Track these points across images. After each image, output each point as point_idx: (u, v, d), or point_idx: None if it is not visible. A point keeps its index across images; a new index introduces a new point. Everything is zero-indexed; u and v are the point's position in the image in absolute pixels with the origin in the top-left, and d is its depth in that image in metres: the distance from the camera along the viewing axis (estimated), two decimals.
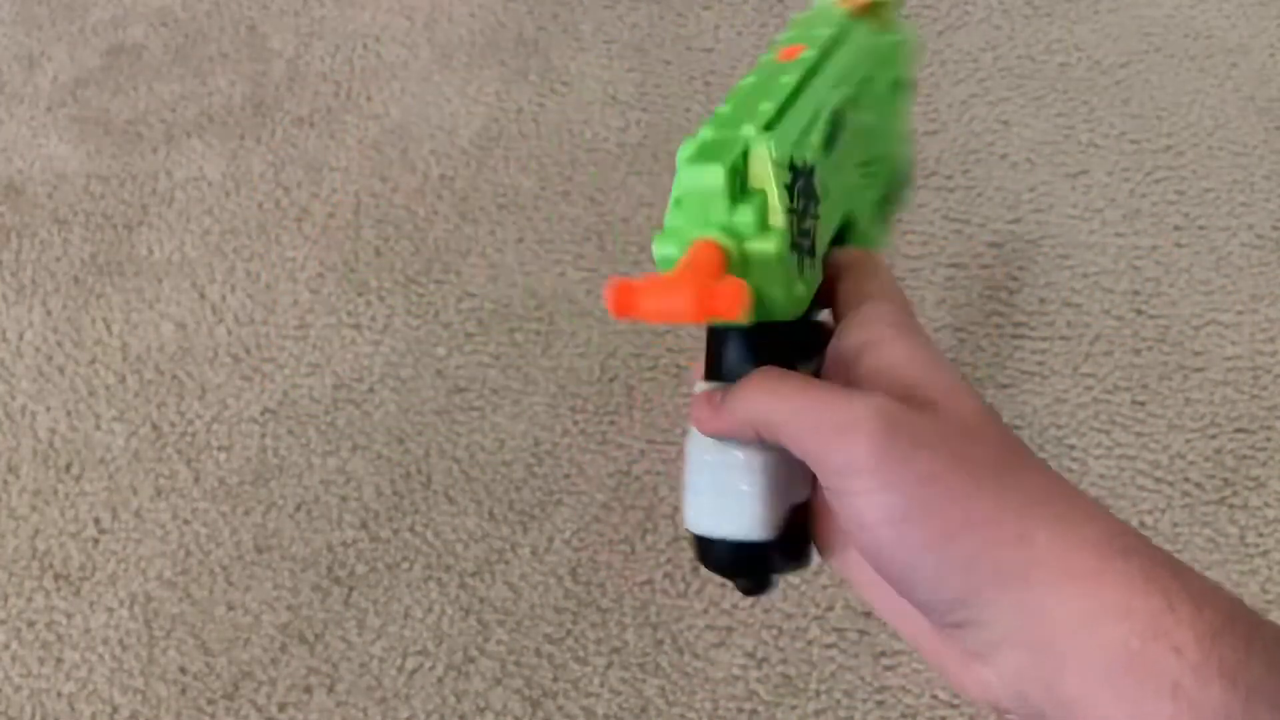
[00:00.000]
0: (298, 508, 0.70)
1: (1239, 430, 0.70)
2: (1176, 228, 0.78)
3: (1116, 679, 0.26)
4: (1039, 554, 0.27)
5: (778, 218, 0.31)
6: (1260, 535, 0.67)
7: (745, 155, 0.31)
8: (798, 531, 0.35)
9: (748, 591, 0.36)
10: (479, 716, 0.63)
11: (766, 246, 0.30)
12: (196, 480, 0.71)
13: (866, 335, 0.32)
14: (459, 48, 0.92)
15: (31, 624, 0.67)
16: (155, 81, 0.92)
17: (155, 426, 0.73)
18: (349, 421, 0.73)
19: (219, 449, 0.72)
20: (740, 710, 0.62)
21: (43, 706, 0.64)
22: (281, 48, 0.93)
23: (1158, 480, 0.69)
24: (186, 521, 0.70)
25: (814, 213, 0.33)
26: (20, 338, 0.78)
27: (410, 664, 0.65)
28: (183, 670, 0.65)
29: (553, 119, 0.87)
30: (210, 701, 0.64)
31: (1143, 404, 0.71)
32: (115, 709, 0.64)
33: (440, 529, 0.69)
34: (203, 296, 0.79)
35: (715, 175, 0.30)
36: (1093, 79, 0.87)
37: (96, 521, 0.70)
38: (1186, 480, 0.69)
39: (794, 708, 0.62)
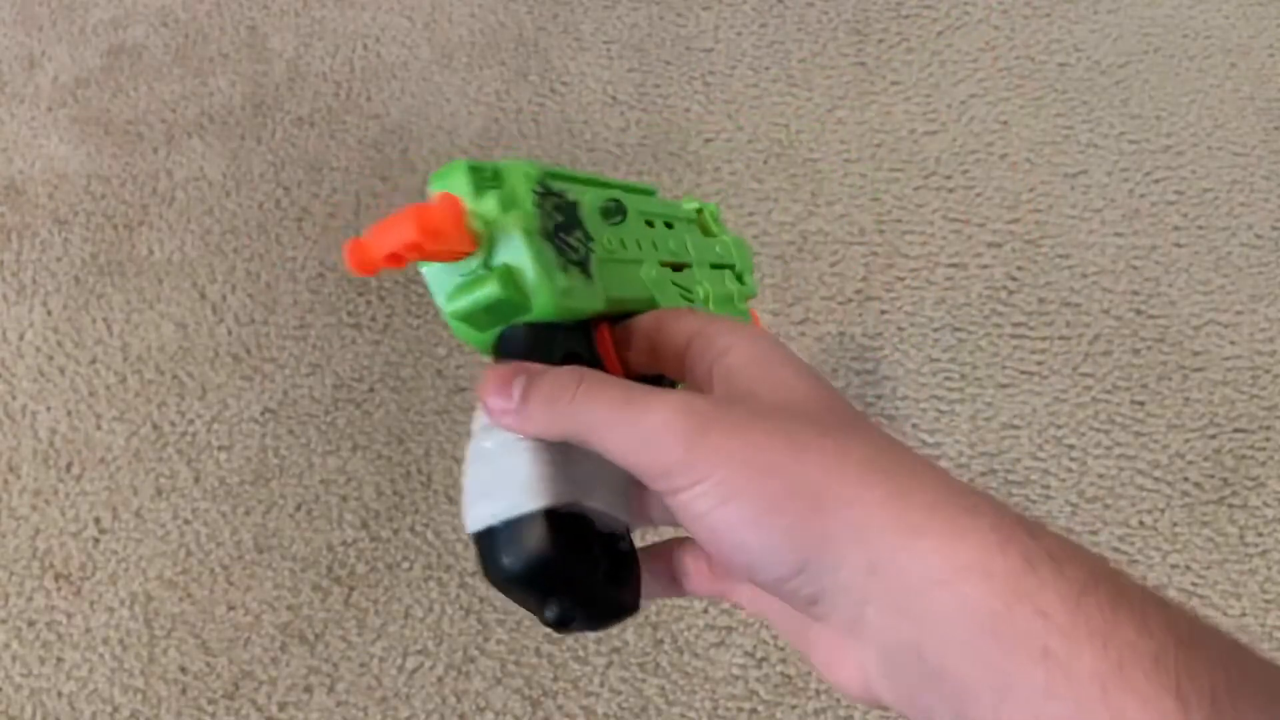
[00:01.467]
0: (298, 507, 0.70)
1: (1238, 430, 0.70)
2: (1175, 228, 0.78)
3: (982, 644, 0.25)
4: (875, 516, 0.27)
5: (523, 202, 0.33)
6: (1259, 535, 0.67)
7: (498, 173, 0.34)
8: (615, 563, 0.33)
9: (549, 622, 0.31)
10: (479, 716, 0.63)
11: (508, 220, 0.33)
12: (197, 480, 0.71)
13: (709, 348, 0.32)
14: (459, 48, 0.92)
15: (32, 623, 0.67)
16: (156, 82, 0.92)
17: (156, 426, 0.73)
18: (349, 421, 0.73)
19: (219, 449, 0.73)
20: (740, 710, 0.62)
21: (43, 706, 0.64)
22: (282, 48, 0.93)
23: (1157, 480, 0.69)
24: (187, 521, 0.70)
25: (579, 237, 0.35)
26: (21, 338, 0.78)
27: (410, 663, 0.65)
28: (183, 670, 0.65)
29: (553, 119, 0.87)
30: (211, 701, 0.64)
31: (1142, 404, 0.71)
32: (116, 708, 0.64)
33: (440, 529, 0.69)
34: (203, 296, 0.79)
35: (459, 169, 0.33)
36: (1092, 79, 0.87)
37: (97, 521, 0.70)
38: (1186, 480, 0.69)
39: (794, 707, 0.62)
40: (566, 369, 0.31)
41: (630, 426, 0.29)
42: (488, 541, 0.31)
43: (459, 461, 0.71)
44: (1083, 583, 0.25)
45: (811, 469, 0.27)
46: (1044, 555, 0.25)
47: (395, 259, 0.31)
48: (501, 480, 0.31)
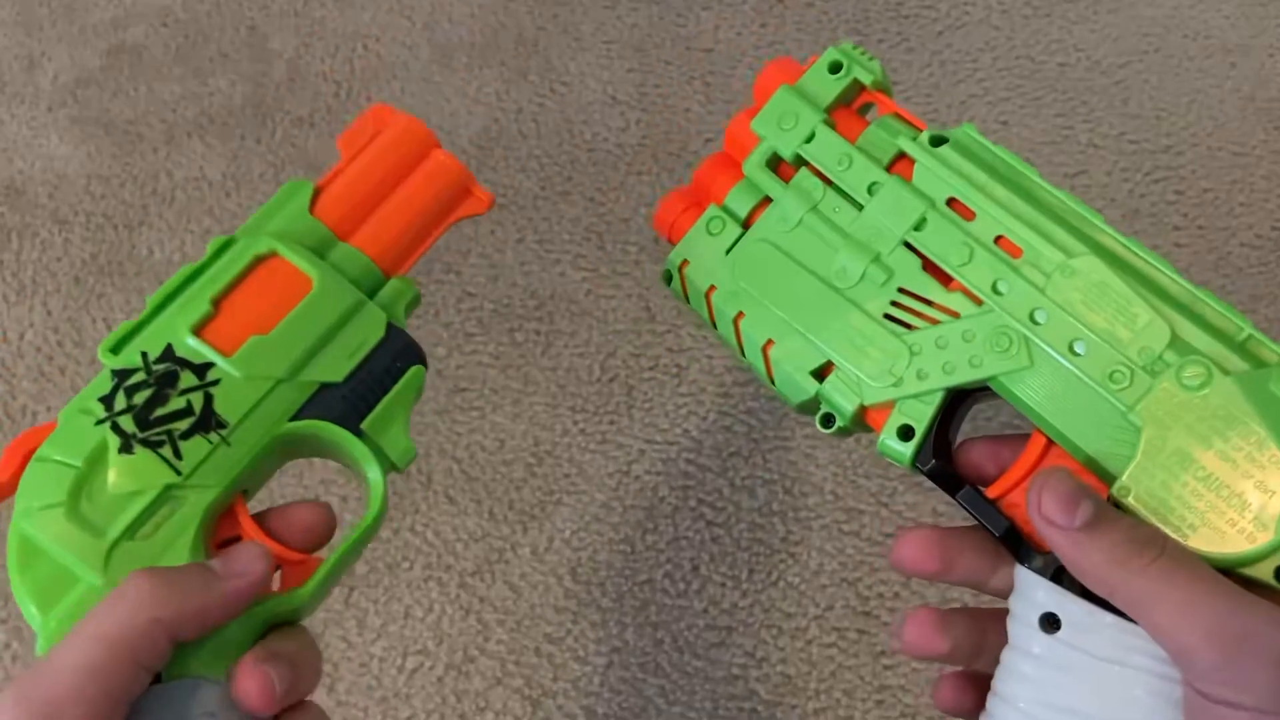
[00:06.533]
0: None
1: None
2: (1176, 228, 0.78)
3: None
4: None
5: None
6: None
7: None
8: None
9: None
10: (479, 716, 0.63)
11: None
12: None
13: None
14: (459, 48, 0.92)
15: None
16: (155, 82, 0.92)
17: None
18: None
19: None
20: (740, 710, 0.62)
21: None
22: (282, 48, 0.93)
23: None
24: None
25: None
26: (21, 338, 0.78)
27: (410, 663, 0.65)
28: None
29: (553, 119, 0.87)
30: None
31: None
32: None
33: (440, 529, 0.69)
34: None
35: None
36: (1092, 79, 0.87)
37: None
38: None
39: (794, 707, 0.62)
40: (1148, 526, 0.29)
41: (1232, 616, 0.27)
42: None
43: (459, 461, 0.71)
44: None
45: None
46: None
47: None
48: None
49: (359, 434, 0.36)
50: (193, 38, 0.95)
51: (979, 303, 0.34)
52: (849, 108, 0.40)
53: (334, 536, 0.38)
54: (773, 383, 0.39)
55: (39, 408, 0.75)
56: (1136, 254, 0.35)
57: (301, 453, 0.38)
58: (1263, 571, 0.29)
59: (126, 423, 0.33)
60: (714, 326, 0.40)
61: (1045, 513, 0.30)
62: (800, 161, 0.39)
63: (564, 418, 0.73)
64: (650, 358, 0.75)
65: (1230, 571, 0.30)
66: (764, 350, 0.38)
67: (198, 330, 0.35)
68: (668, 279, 0.42)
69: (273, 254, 0.36)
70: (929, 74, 0.88)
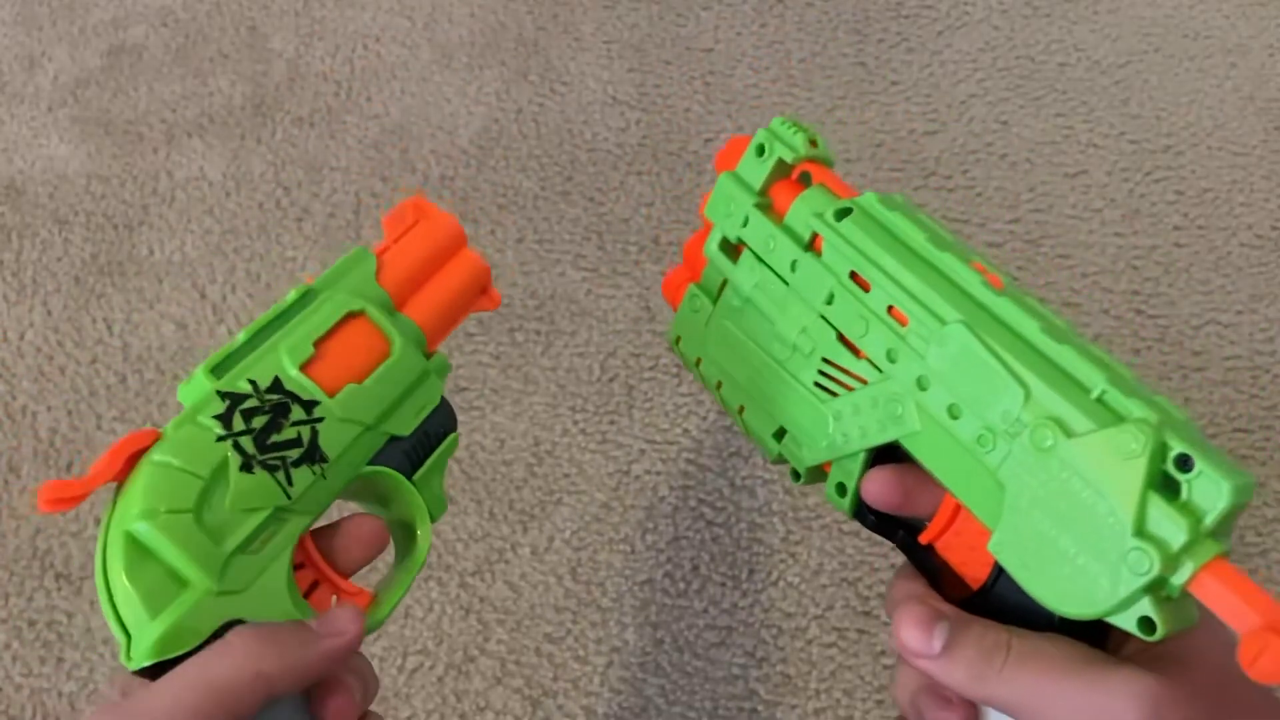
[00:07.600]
0: None
1: (1238, 430, 0.70)
2: (1176, 228, 0.78)
3: None
4: None
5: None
6: (1259, 535, 0.67)
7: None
8: None
9: None
10: (479, 716, 0.63)
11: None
12: None
13: None
14: (459, 48, 0.92)
15: (32, 623, 0.67)
16: (156, 82, 0.92)
17: (156, 426, 0.73)
18: None
19: None
20: (740, 710, 0.63)
21: (43, 706, 0.64)
22: (282, 48, 0.93)
23: None
24: None
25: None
26: (21, 338, 0.78)
27: (411, 663, 0.65)
28: None
29: (553, 119, 0.87)
30: None
31: None
32: None
33: (440, 529, 0.69)
34: (203, 296, 0.79)
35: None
36: (1092, 79, 0.87)
37: (97, 521, 0.70)
38: None
39: (794, 707, 0.62)
40: (992, 625, 0.30)
41: (1083, 699, 0.28)
42: None
43: (459, 462, 0.71)
44: None
45: None
46: None
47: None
48: None
49: (413, 484, 0.41)
50: (193, 38, 0.95)
51: (881, 370, 0.37)
52: (788, 180, 0.42)
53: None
54: (751, 440, 0.43)
55: (39, 408, 0.75)
56: (1013, 311, 0.35)
57: (356, 495, 0.42)
58: (1126, 622, 0.29)
59: (247, 444, 0.36)
60: (709, 390, 0.45)
61: (908, 646, 0.31)
62: (743, 243, 0.42)
63: (564, 418, 0.73)
64: (650, 358, 0.75)
65: (1100, 624, 0.30)
66: (740, 414, 0.42)
67: (303, 368, 0.38)
68: (671, 347, 0.46)
69: (361, 313, 0.40)
70: (929, 74, 0.88)
